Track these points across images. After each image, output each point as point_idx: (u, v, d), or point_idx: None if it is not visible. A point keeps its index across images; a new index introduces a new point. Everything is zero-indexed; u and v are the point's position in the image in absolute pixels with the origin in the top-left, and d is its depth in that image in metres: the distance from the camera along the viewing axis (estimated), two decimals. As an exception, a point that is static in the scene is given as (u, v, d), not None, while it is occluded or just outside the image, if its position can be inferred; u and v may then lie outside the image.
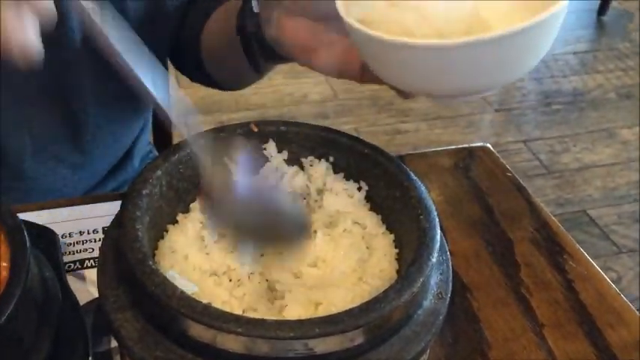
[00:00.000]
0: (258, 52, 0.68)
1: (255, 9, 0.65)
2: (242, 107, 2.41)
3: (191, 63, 0.87)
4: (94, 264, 0.64)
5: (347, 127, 2.34)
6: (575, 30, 3.13)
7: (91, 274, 0.63)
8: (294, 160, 0.58)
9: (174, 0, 0.80)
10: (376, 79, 0.54)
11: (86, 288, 0.60)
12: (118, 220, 0.48)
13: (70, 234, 0.67)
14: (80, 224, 0.68)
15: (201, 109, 2.36)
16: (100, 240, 0.66)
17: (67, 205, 0.70)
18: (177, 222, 0.54)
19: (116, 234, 0.47)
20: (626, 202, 2.20)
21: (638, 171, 2.32)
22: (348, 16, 0.50)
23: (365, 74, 0.57)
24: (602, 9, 3.23)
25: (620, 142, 2.47)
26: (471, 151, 0.87)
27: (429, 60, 0.47)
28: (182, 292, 0.42)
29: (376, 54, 0.51)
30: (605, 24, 3.22)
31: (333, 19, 0.53)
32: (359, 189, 0.57)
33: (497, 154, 0.87)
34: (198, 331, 0.42)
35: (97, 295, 0.46)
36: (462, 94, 0.52)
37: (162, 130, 1.13)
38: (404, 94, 0.55)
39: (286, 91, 2.52)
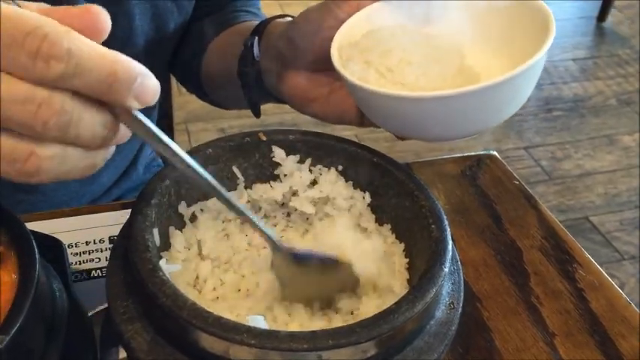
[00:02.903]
0: (257, 94, 0.70)
1: (257, 56, 0.66)
2: (243, 114, 2.36)
3: (189, 78, 0.88)
4: (100, 274, 0.64)
5: (348, 134, 2.32)
6: (575, 36, 3.14)
7: (98, 283, 0.62)
8: (302, 169, 0.57)
9: (175, 20, 0.80)
10: (375, 124, 0.58)
11: (93, 298, 0.60)
12: (127, 231, 0.47)
13: (76, 244, 0.66)
14: (86, 234, 0.67)
15: (202, 116, 2.36)
16: (106, 250, 0.65)
17: (73, 215, 0.70)
18: (186, 231, 0.54)
19: (125, 244, 0.46)
20: (628, 209, 2.20)
21: (639, 177, 2.32)
22: (344, 70, 0.54)
23: (365, 119, 0.60)
24: (602, 15, 3.24)
25: (621, 148, 2.47)
26: (477, 159, 0.86)
27: (408, 109, 0.51)
28: (193, 302, 0.42)
29: (367, 103, 0.55)
30: (605, 30, 3.23)
31: (330, 69, 0.55)
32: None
33: (504, 162, 0.86)
34: (210, 342, 0.41)
35: (104, 305, 0.46)
36: (449, 139, 0.57)
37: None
38: (399, 137, 0.59)
39: (287, 98, 2.52)
